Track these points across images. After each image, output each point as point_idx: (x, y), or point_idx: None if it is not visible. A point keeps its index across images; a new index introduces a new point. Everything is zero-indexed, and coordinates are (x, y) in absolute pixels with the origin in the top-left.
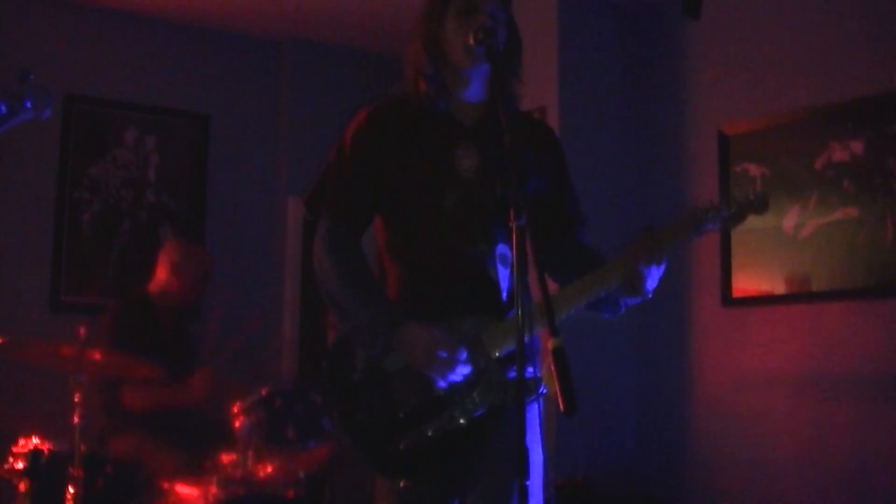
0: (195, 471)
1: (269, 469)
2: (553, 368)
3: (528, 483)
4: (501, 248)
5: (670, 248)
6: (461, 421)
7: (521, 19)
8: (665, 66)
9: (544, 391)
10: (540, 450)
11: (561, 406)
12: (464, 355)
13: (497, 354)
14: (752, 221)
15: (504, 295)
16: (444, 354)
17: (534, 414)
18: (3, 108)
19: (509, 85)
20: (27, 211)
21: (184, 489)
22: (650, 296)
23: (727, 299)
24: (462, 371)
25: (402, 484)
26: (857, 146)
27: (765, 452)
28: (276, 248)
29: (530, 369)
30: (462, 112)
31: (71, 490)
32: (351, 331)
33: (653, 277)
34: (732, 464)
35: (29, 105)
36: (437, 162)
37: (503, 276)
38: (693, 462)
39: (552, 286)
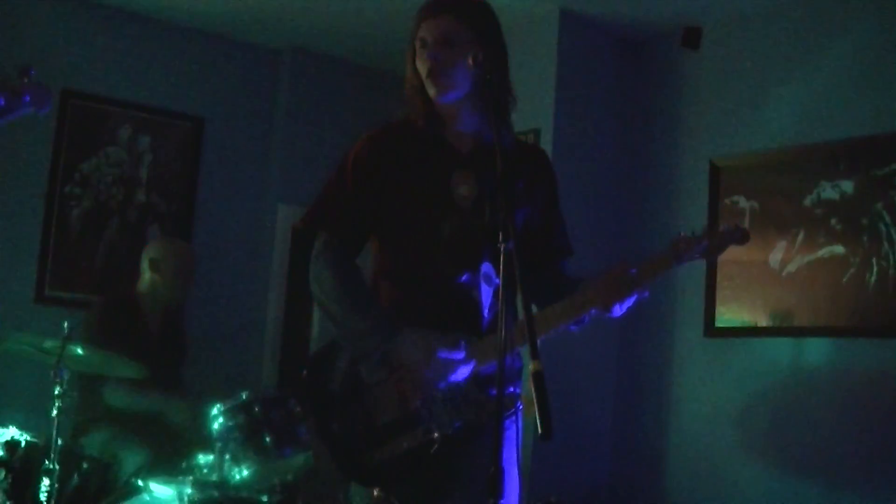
0: (166, 468)
1: (245, 473)
2: (532, 392)
3: (501, 503)
4: (486, 267)
5: (653, 277)
6: (436, 435)
7: (522, 42)
8: (661, 95)
9: (521, 407)
10: (516, 471)
11: (539, 430)
12: (462, 355)
13: (476, 371)
14: (739, 254)
15: (485, 312)
16: (444, 355)
17: (511, 435)
18: (2, 101)
19: (497, 108)
20: (17, 203)
21: (158, 488)
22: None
23: (710, 330)
24: (463, 373)
25: (375, 493)
26: (847, 186)
27: (740, 484)
28: (263, 255)
29: (510, 388)
30: (458, 140)
31: (45, 482)
32: (345, 341)
33: (631, 301)
34: (706, 494)
35: (28, 100)
36: (435, 189)
37: (486, 294)
38: (666, 490)
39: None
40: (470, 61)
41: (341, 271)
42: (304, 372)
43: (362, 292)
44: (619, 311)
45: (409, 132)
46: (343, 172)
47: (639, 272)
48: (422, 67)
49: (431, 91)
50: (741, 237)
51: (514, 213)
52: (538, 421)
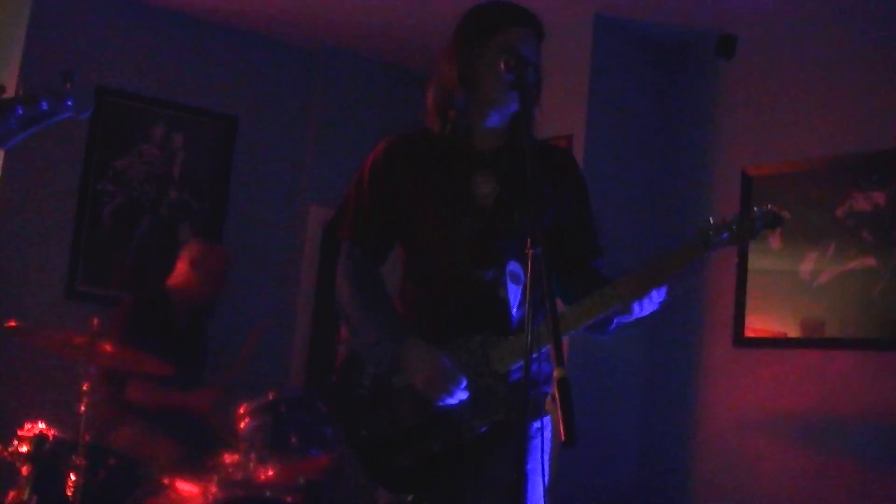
0: (193, 466)
1: (270, 473)
2: (556, 398)
3: None
4: (512, 266)
5: (682, 269)
6: (466, 437)
7: (556, 47)
8: (694, 103)
9: (548, 411)
10: (540, 478)
11: (562, 436)
12: (463, 384)
13: (504, 372)
14: (769, 264)
15: (513, 311)
16: (443, 382)
17: (537, 444)
18: (45, 105)
19: (528, 115)
20: (50, 199)
21: (184, 486)
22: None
23: (739, 339)
24: (459, 398)
25: (409, 499)
26: (880, 197)
27: (764, 494)
28: (293, 255)
29: (542, 388)
30: (480, 140)
31: (72, 478)
32: (360, 349)
33: (655, 300)
34: (731, 503)
35: (70, 104)
36: (456, 188)
37: (513, 292)
38: (693, 499)
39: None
40: (502, 66)
41: (358, 280)
42: (333, 378)
43: (377, 301)
44: (639, 310)
45: (428, 135)
46: (361, 180)
47: (660, 265)
48: (501, 69)
49: (506, 99)
50: (773, 221)
51: (543, 218)
52: (561, 428)
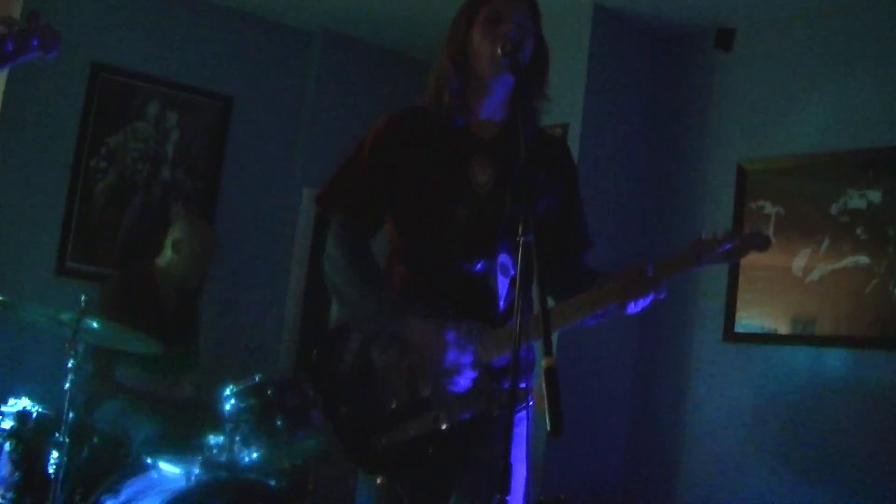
0: (177, 446)
1: (255, 456)
2: (544, 388)
3: (507, 499)
4: (503, 258)
5: (670, 277)
6: (444, 425)
7: (554, 36)
8: (691, 95)
9: (531, 403)
10: (524, 467)
11: (548, 426)
12: (471, 360)
13: (488, 362)
14: (762, 259)
15: (501, 304)
16: (453, 358)
17: (521, 429)
18: (10, 45)
19: (531, 99)
20: (42, 174)
21: (166, 466)
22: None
23: (729, 334)
24: (468, 376)
25: (378, 480)
26: (874, 195)
27: (752, 490)
28: (286, 237)
29: (522, 383)
30: (480, 127)
31: (55, 455)
32: (354, 320)
33: (646, 300)
34: (719, 498)
35: (35, 43)
36: (453, 174)
37: (502, 284)
38: (679, 493)
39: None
40: (499, 51)
41: (353, 252)
42: (315, 352)
43: (373, 274)
44: (633, 308)
45: (429, 116)
46: (360, 153)
47: (656, 273)
48: (493, 41)
49: (496, 68)
50: (762, 244)
51: (535, 206)
52: (548, 417)
